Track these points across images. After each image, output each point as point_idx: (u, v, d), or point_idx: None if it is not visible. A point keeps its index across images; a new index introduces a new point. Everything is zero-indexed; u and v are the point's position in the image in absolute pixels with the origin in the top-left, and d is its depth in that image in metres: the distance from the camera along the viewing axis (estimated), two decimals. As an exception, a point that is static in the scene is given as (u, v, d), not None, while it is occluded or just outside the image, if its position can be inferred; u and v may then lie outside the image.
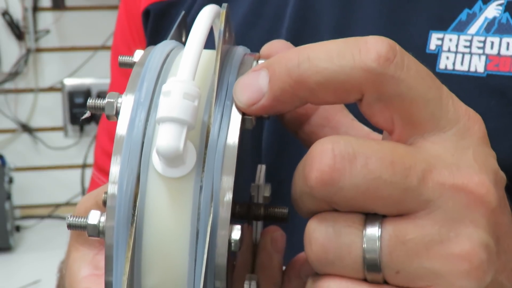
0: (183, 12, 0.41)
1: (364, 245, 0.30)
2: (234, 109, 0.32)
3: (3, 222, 1.71)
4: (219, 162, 0.31)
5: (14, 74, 1.85)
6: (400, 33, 0.51)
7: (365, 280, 0.30)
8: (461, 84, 0.49)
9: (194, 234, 0.31)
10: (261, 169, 0.42)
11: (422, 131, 0.31)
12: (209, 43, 0.33)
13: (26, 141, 1.91)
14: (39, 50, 1.86)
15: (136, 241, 0.31)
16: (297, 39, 0.54)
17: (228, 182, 0.31)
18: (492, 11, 0.50)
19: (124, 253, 0.31)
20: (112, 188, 0.31)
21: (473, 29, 0.50)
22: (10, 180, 1.74)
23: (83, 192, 1.87)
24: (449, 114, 0.31)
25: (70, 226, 0.34)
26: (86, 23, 1.86)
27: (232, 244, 0.31)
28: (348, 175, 0.30)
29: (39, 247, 1.75)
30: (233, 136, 0.31)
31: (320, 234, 0.31)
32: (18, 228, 1.81)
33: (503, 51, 0.49)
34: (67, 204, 1.92)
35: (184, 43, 0.39)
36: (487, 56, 0.49)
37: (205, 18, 0.33)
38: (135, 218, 0.31)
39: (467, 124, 0.31)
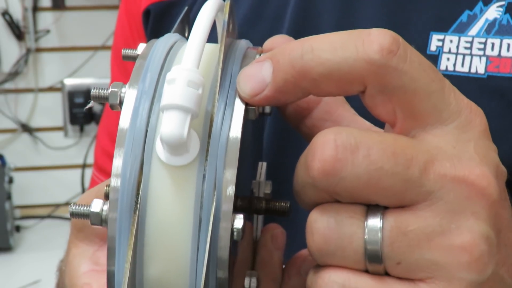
0: (186, 8, 0.42)
1: (366, 236, 0.30)
2: (237, 99, 0.32)
3: (3, 222, 1.71)
4: (222, 151, 0.31)
5: (14, 74, 1.85)
6: (400, 34, 0.51)
7: (366, 271, 0.31)
8: (462, 85, 0.49)
9: (197, 222, 0.31)
10: (262, 166, 0.42)
11: (424, 124, 0.31)
12: (212, 38, 0.34)
13: (26, 141, 1.91)
14: (39, 50, 1.86)
15: (139, 229, 0.31)
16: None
17: (231, 172, 0.31)
18: (493, 12, 0.50)
19: (126, 242, 0.31)
20: (115, 180, 0.31)
21: (473, 30, 0.50)
22: (10, 180, 1.74)
23: (83, 192, 1.87)
24: (451, 107, 0.31)
25: (73, 214, 0.34)
26: (86, 23, 1.86)
27: (235, 233, 0.31)
28: (350, 166, 0.30)
29: (39, 247, 1.75)
30: (236, 126, 0.32)
31: (321, 225, 0.31)
32: (18, 228, 1.81)
33: (504, 53, 0.49)
34: (67, 204, 1.92)
35: (187, 38, 0.39)
36: (488, 57, 0.49)
37: (209, 11, 0.33)
38: (138, 206, 0.31)
39: (469, 117, 0.32)
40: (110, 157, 0.76)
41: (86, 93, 1.86)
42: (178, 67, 0.31)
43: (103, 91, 0.34)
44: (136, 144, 0.31)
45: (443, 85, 0.31)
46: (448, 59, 0.50)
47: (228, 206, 0.31)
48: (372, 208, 0.31)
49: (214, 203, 0.31)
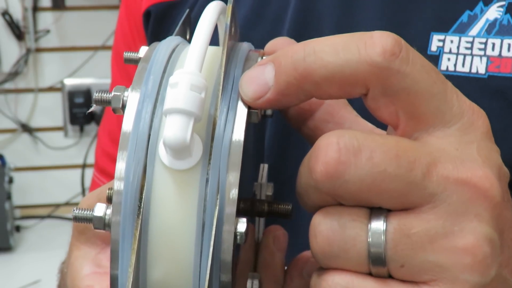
0: (187, 10, 0.42)
1: (369, 239, 0.30)
2: (240, 102, 0.32)
3: (3, 222, 1.71)
4: (225, 155, 0.31)
5: (14, 74, 1.85)
6: (401, 34, 0.51)
7: (369, 274, 0.31)
8: (462, 86, 0.49)
9: (200, 226, 0.31)
10: (264, 168, 0.42)
11: (427, 126, 0.31)
12: (214, 40, 0.34)
13: (26, 141, 1.91)
14: (39, 50, 1.86)
15: (142, 233, 0.31)
16: (298, 41, 0.54)
17: (234, 174, 0.31)
18: (493, 12, 0.50)
19: (129, 246, 0.31)
20: (118, 181, 0.31)
21: (474, 30, 0.50)
22: (10, 180, 1.74)
23: (83, 192, 1.87)
24: (453, 109, 0.31)
25: (76, 219, 0.34)
26: (86, 23, 1.86)
27: (238, 237, 0.31)
28: (353, 168, 0.30)
29: (39, 247, 1.75)
30: (239, 129, 0.32)
31: (325, 228, 0.31)
32: (18, 228, 1.81)
33: (504, 53, 0.49)
34: (67, 204, 1.92)
35: (188, 41, 0.39)
36: (488, 57, 0.49)
37: (211, 13, 0.33)
38: (141, 210, 0.31)
39: (471, 118, 0.32)
40: (111, 158, 0.76)
41: (86, 93, 1.86)
42: (180, 71, 0.31)
43: (105, 94, 0.34)
44: (139, 148, 0.31)
45: (446, 87, 0.31)
46: (448, 59, 0.50)
47: (231, 209, 0.31)
48: (375, 211, 0.31)
49: (217, 207, 0.31)
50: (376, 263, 0.30)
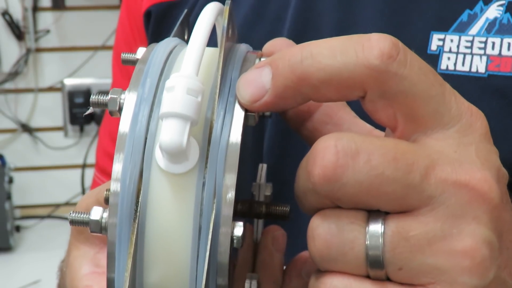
0: (185, 10, 0.41)
1: (367, 242, 0.30)
2: (237, 105, 0.32)
3: (3, 222, 1.71)
4: (221, 158, 0.31)
5: (14, 74, 1.85)
6: (401, 34, 0.51)
7: (368, 276, 0.31)
8: (462, 85, 0.49)
9: (197, 230, 0.31)
10: (262, 168, 0.42)
11: (425, 128, 0.31)
12: (212, 41, 0.33)
13: (26, 141, 1.91)
14: (39, 50, 1.86)
15: (139, 237, 0.31)
16: (298, 41, 0.54)
17: (230, 178, 0.31)
18: (493, 11, 0.50)
19: (126, 249, 0.31)
20: (115, 185, 0.31)
21: (474, 29, 0.50)
22: (10, 180, 1.74)
23: (83, 192, 1.87)
24: (452, 111, 0.31)
25: (73, 222, 0.34)
26: (86, 23, 1.86)
27: (235, 241, 0.31)
28: (351, 171, 0.30)
29: (39, 247, 1.75)
30: (236, 133, 0.31)
31: (323, 230, 0.31)
32: (18, 228, 1.81)
33: (504, 52, 0.49)
34: (67, 204, 1.92)
35: (186, 41, 0.39)
36: (488, 56, 0.49)
37: (209, 15, 0.33)
38: (138, 214, 0.31)
39: (470, 120, 0.32)
40: (112, 158, 0.76)
41: (86, 93, 1.86)
42: (177, 74, 0.30)
43: (102, 97, 0.33)
44: (135, 151, 0.31)
45: (444, 89, 0.31)
46: (448, 58, 0.50)
47: (228, 213, 0.31)
48: (373, 213, 0.31)
49: (214, 211, 0.31)
50: (374, 266, 0.30)
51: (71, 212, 0.34)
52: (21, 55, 1.84)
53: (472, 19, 0.50)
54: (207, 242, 0.31)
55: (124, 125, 0.32)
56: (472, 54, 0.49)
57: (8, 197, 1.73)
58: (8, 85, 1.86)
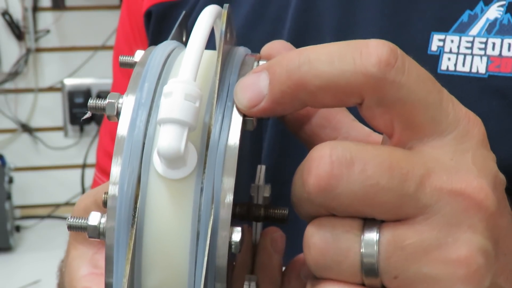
0: (184, 12, 0.41)
1: (362, 250, 0.30)
2: (235, 110, 0.32)
3: (3, 222, 1.71)
4: (220, 164, 0.31)
5: (14, 74, 1.85)
6: (401, 34, 0.51)
7: (363, 284, 0.31)
8: (463, 85, 0.49)
9: (195, 235, 0.31)
10: (261, 169, 0.42)
11: (422, 135, 0.31)
12: (210, 43, 0.33)
13: (26, 141, 1.91)
14: (39, 50, 1.86)
15: (137, 242, 0.31)
16: (299, 41, 0.54)
17: (229, 184, 0.31)
18: (494, 12, 0.50)
19: (124, 254, 0.31)
20: (113, 188, 0.31)
21: (474, 30, 0.50)
22: (10, 180, 1.74)
23: (83, 192, 1.87)
24: (449, 118, 0.31)
25: (71, 227, 0.34)
26: (86, 23, 1.86)
27: (233, 246, 0.31)
28: (346, 181, 0.30)
29: (39, 247, 1.75)
30: (234, 138, 0.31)
31: (318, 239, 0.31)
32: (18, 228, 1.81)
33: (505, 52, 0.49)
34: (67, 204, 1.92)
35: (185, 43, 0.39)
36: (489, 57, 0.49)
37: (207, 19, 0.33)
38: (136, 219, 0.31)
39: (467, 127, 0.31)
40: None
41: (86, 93, 1.86)
42: (175, 80, 0.30)
43: (100, 101, 0.33)
44: (133, 156, 0.31)
45: (442, 96, 0.31)
46: (449, 59, 0.50)
47: (226, 219, 0.31)
48: (368, 222, 0.31)
49: (212, 216, 0.31)
50: (369, 274, 0.30)
51: (69, 217, 0.34)
52: (21, 55, 1.84)
53: (473, 19, 0.50)
54: (205, 248, 0.31)
55: (122, 130, 0.32)
56: (472, 54, 0.49)
57: (8, 197, 1.73)
58: (8, 85, 1.86)
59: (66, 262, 0.44)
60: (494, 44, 0.49)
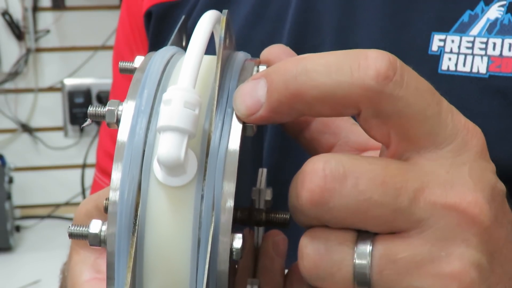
0: (183, 17, 0.41)
1: (355, 261, 0.30)
2: (234, 116, 0.32)
3: (3, 222, 1.71)
4: (220, 171, 0.31)
5: (14, 74, 1.85)
6: (402, 34, 0.51)
7: None
8: (463, 85, 0.49)
9: (196, 243, 0.31)
10: (262, 172, 0.42)
11: (418, 147, 0.31)
12: (210, 47, 0.33)
13: (26, 141, 1.91)
14: (39, 50, 1.86)
15: (138, 250, 0.31)
16: (299, 41, 0.54)
17: (229, 191, 0.31)
18: (494, 12, 0.50)
19: (125, 261, 0.31)
20: (113, 195, 0.31)
21: (475, 30, 0.50)
22: (10, 180, 1.74)
23: (83, 192, 1.87)
24: (447, 130, 0.31)
25: (72, 235, 0.34)
26: (86, 23, 1.86)
27: (234, 253, 0.31)
28: (338, 196, 0.30)
29: (39, 247, 1.75)
30: (234, 144, 0.31)
31: (311, 251, 0.31)
32: (18, 228, 1.81)
33: (505, 52, 0.48)
34: (67, 204, 1.92)
35: (184, 48, 0.39)
36: (489, 57, 0.49)
37: (206, 24, 0.33)
38: (137, 227, 0.31)
39: (465, 138, 0.31)
40: (113, 159, 0.75)
41: (86, 93, 1.86)
42: (174, 87, 0.30)
43: (99, 109, 0.33)
44: (133, 164, 0.31)
45: (440, 108, 0.31)
46: (449, 59, 0.50)
47: (226, 226, 0.31)
48: (362, 234, 0.31)
49: (213, 223, 0.31)
50: (362, 286, 0.30)
51: (70, 225, 0.34)
52: (21, 55, 1.84)
53: (473, 19, 0.50)
54: (206, 254, 0.31)
55: (122, 137, 0.32)
56: (473, 54, 0.49)
57: (8, 197, 1.73)
58: (8, 85, 1.86)
59: (69, 266, 0.44)
60: (494, 44, 0.49)
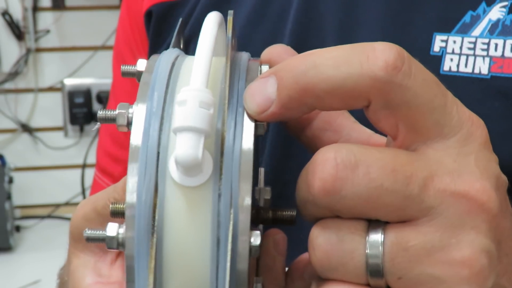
0: (180, 19, 0.42)
1: (367, 251, 0.30)
2: (246, 116, 0.33)
3: (3, 222, 1.71)
4: (236, 169, 0.31)
5: (14, 74, 1.85)
6: (404, 35, 0.51)
7: (368, 285, 0.31)
8: (465, 86, 0.49)
9: (215, 242, 0.31)
10: (261, 172, 0.42)
11: (426, 138, 0.32)
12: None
13: (26, 141, 1.91)
14: (39, 50, 1.86)
15: (157, 251, 0.31)
16: (301, 41, 0.54)
17: (246, 188, 0.31)
18: (496, 13, 0.50)
19: (145, 264, 0.31)
20: (130, 198, 0.31)
21: (477, 31, 0.50)
22: (10, 180, 1.74)
23: (83, 192, 1.87)
24: (453, 121, 0.31)
25: (89, 239, 0.34)
26: (86, 23, 1.86)
27: (253, 250, 0.31)
28: (350, 184, 0.30)
29: (39, 247, 1.75)
30: (248, 143, 0.32)
31: (323, 241, 0.31)
32: (18, 228, 1.81)
33: (507, 53, 0.49)
34: (67, 204, 1.92)
35: (183, 50, 0.39)
36: (491, 58, 0.49)
37: (212, 26, 0.34)
38: (155, 228, 0.31)
39: (470, 129, 0.32)
40: (113, 158, 0.75)
41: (86, 93, 1.86)
42: (188, 88, 0.31)
43: (109, 112, 0.34)
44: (149, 166, 0.31)
45: (446, 99, 0.32)
46: (451, 59, 0.50)
47: (245, 224, 0.31)
48: (373, 223, 0.31)
49: (232, 221, 0.31)
50: (374, 275, 0.31)
51: (87, 229, 0.34)
52: (21, 55, 1.84)
53: (475, 20, 0.50)
54: (226, 253, 0.31)
55: (136, 139, 0.32)
56: (475, 55, 0.49)
57: (8, 197, 1.73)
58: (8, 85, 1.86)
59: (69, 271, 0.44)
60: (496, 45, 0.49)
